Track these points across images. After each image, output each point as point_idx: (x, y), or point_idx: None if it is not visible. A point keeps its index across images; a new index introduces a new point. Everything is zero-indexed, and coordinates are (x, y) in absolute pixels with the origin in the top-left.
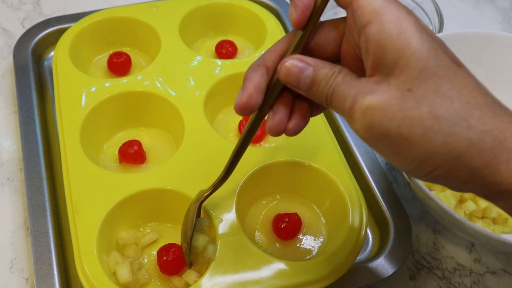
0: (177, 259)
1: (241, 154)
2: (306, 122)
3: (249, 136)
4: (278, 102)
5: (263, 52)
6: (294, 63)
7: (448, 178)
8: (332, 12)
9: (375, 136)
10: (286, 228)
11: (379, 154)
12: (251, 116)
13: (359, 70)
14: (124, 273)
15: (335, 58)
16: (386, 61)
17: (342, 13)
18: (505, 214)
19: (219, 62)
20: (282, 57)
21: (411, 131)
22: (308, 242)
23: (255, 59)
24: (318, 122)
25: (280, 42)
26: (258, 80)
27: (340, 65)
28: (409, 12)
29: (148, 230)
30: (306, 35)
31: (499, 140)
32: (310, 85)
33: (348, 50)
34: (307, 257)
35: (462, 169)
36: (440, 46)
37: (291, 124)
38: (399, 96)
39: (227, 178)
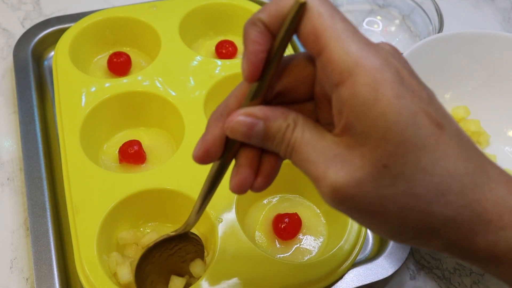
0: None
1: (205, 204)
2: (276, 174)
3: (213, 185)
4: (242, 154)
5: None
6: (241, 120)
7: (423, 246)
8: None
9: (345, 210)
10: (286, 228)
11: None
12: (213, 164)
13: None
14: (125, 274)
15: (310, 97)
16: (360, 129)
17: None
18: None
19: (219, 62)
20: None
21: (385, 208)
22: (308, 242)
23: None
24: None
25: (244, 84)
26: (218, 133)
27: (295, 111)
28: (387, 63)
29: (148, 230)
30: (264, 85)
31: (478, 213)
32: (263, 140)
33: (321, 93)
34: (307, 257)
35: (437, 241)
36: (422, 105)
37: (258, 182)
38: (374, 173)
39: (192, 227)
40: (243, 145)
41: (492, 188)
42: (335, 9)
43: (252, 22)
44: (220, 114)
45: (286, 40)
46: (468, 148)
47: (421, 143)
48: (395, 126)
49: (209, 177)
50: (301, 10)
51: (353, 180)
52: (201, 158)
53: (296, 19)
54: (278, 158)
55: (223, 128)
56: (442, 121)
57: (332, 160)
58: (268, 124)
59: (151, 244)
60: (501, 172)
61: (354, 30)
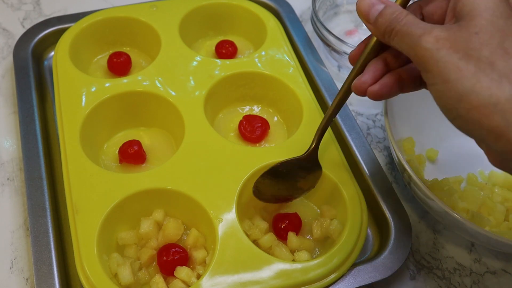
0: (177, 259)
1: (342, 103)
2: (389, 92)
3: (347, 93)
4: (371, 65)
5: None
6: (367, 1)
7: (482, 128)
8: (332, 12)
9: (438, 59)
10: (286, 228)
11: (428, 82)
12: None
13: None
14: (126, 275)
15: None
16: (464, 10)
17: (341, 14)
18: None
19: (219, 62)
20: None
21: (467, 66)
22: (308, 242)
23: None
24: (318, 122)
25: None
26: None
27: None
28: None
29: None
30: None
31: None
32: (377, 16)
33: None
34: (307, 257)
35: (497, 118)
36: None
37: (374, 88)
38: (467, 36)
39: (331, 121)
40: (375, 60)
41: None
42: None
43: None
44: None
45: None
46: None
47: (508, 31)
48: (491, 11)
49: (343, 86)
50: None
51: (452, 36)
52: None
53: None
54: (399, 78)
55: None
56: None
57: (433, 26)
58: (387, 3)
59: (276, 164)
60: None
61: None
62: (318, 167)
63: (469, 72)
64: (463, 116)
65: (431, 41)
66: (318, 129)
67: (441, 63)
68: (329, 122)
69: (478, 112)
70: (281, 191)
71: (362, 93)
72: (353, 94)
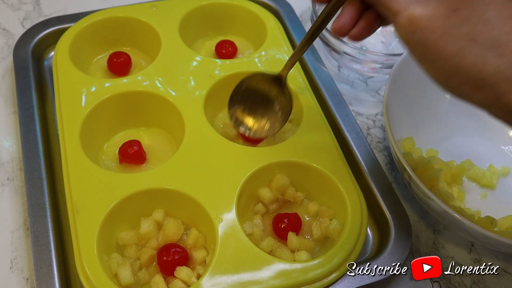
0: (177, 259)
1: (305, 49)
2: (369, 32)
3: (318, 28)
4: (347, 6)
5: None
6: None
7: (473, 97)
8: None
9: (414, 42)
10: (286, 228)
11: (415, 61)
12: (325, 8)
13: None
14: (127, 275)
15: None
16: None
17: None
18: None
19: (219, 62)
20: None
21: (447, 45)
22: (308, 242)
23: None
24: (318, 122)
25: None
26: None
27: None
28: None
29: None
30: None
31: None
32: None
33: None
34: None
35: (487, 91)
36: None
37: (355, 30)
38: (445, 14)
39: (287, 70)
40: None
41: None
42: None
43: None
44: None
45: None
46: None
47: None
48: None
49: (315, 22)
50: None
51: (427, 15)
52: None
53: None
54: (375, 18)
55: None
56: None
57: (409, 2)
58: None
59: (252, 73)
60: None
61: None
62: (288, 91)
63: (450, 51)
64: (453, 89)
65: (404, 22)
66: (287, 63)
67: (418, 46)
68: (297, 57)
69: (468, 86)
70: (256, 106)
71: (342, 35)
72: (351, 95)
